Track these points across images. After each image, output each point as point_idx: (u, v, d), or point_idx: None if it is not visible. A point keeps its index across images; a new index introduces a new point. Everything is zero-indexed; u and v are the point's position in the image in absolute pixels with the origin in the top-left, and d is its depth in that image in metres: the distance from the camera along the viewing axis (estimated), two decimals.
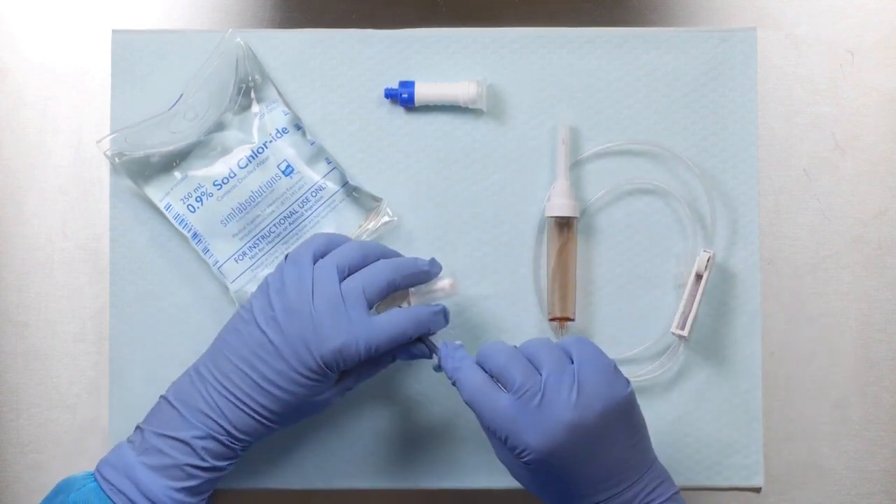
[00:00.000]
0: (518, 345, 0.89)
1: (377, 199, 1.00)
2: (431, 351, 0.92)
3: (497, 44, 1.02)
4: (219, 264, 0.99)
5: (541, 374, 0.86)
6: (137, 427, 0.91)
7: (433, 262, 0.94)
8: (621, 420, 0.87)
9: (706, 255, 0.98)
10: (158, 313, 1.01)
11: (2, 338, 1.02)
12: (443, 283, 0.94)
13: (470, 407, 0.88)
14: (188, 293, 1.01)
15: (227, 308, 0.99)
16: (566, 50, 1.02)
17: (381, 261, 0.91)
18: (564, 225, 1.00)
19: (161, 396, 0.91)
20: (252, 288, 0.98)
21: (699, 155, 1.01)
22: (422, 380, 1.01)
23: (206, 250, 0.99)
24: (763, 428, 1.00)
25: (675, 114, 1.02)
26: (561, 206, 0.99)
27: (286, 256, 0.91)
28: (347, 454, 1.00)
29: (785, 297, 1.02)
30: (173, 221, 0.99)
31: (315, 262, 0.90)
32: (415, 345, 0.92)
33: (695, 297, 0.98)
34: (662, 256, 1.01)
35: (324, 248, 0.91)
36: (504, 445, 0.87)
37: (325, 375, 0.88)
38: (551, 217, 1.00)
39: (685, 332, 0.97)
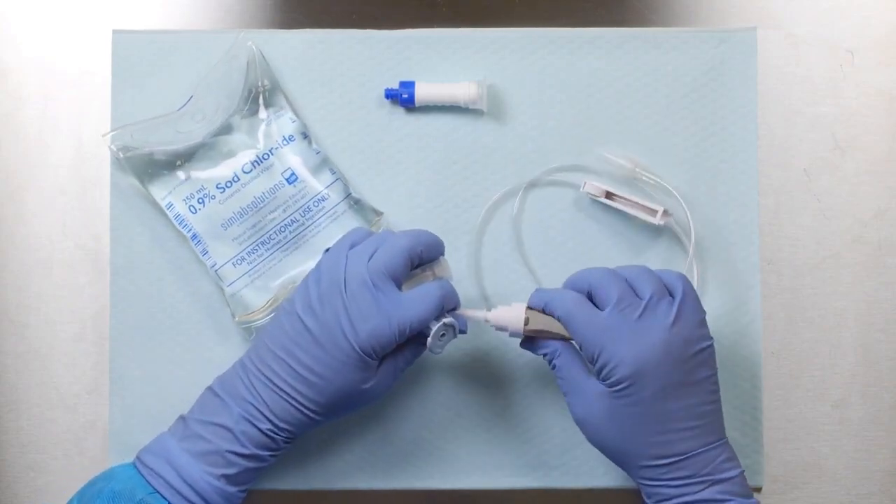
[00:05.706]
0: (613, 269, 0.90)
1: (378, 213, 0.99)
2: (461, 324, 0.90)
3: (497, 44, 1.02)
4: (216, 267, 0.99)
5: (640, 297, 0.87)
6: (179, 417, 0.91)
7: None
8: (702, 368, 0.87)
9: (584, 182, 0.99)
10: (158, 313, 1.01)
11: (2, 338, 1.02)
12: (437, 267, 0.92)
13: (565, 323, 0.87)
14: (188, 293, 1.01)
15: (225, 309, 0.99)
16: (566, 50, 1.02)
17: (396, 233, 0.90)
18: None
19: (207, 388, 0.92)
20: (248, 293, 0.98)
21: (699, 155, 1.01)
22: (422, 380, 1.00)
23: (205, 252, 0.99)
24: (763, 428, 1.00)
25: (675, 114, 1.02)
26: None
27: (327, 249, 0.92)
28: (347, 454, 1.00)
29: (785, 297, 1.02)
30: (174, 221, 0.99)
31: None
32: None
33: (629, 201, 0.98)
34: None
35: (361, 240, 0.91)
36: (586, 378, 0.87)
37: (362, 361, 0.87)
38: None
39: (660, 211, 0.97)
